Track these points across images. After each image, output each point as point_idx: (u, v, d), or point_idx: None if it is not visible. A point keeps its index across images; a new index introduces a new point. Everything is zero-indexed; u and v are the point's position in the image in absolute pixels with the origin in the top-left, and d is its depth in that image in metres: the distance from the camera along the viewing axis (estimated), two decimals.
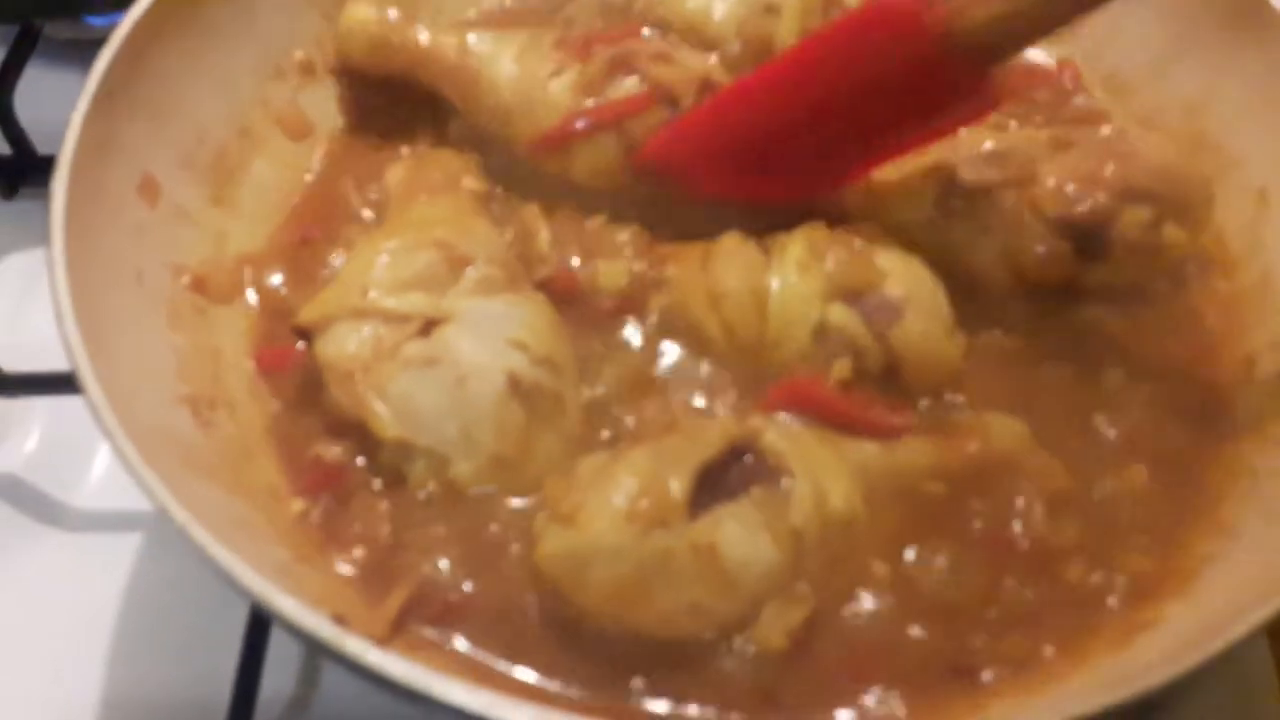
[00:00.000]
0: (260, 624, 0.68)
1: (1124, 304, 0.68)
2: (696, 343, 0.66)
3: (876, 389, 0.64)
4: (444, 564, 0.59)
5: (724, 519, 0.54)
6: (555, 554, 0.55)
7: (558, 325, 0.65)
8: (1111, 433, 0.65)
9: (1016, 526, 0.60)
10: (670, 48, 0.73)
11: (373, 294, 0.62)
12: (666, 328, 0.67)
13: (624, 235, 0.70)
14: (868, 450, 0.60)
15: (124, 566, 0.75)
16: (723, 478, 0.55)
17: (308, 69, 0.80)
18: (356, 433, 0.62)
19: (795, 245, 0.65)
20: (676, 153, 0.70)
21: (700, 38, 0.77)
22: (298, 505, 0.62)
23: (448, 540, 0.60)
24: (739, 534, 0.53)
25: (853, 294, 0.62)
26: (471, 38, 0.75)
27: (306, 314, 0.62)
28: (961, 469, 0.61)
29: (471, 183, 0.74)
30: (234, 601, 0.61)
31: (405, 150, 0.78)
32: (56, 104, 0.95)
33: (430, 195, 0.72)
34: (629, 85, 0.70)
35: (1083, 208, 0.64)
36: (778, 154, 0.68)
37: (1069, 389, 0.66)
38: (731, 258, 0.66)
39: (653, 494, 0.53)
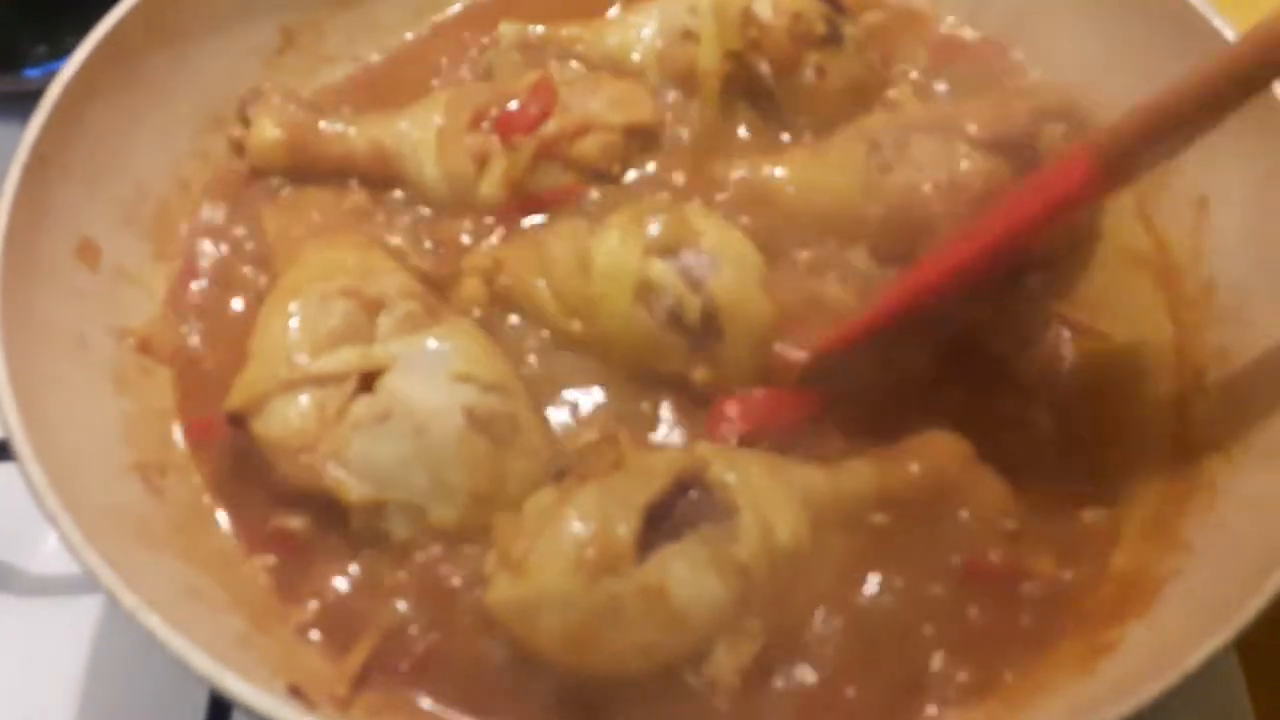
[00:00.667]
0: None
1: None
2: (532, 312, 0.68)
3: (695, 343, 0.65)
4: (403, 611, 0.59)
5: (671, 559, 0.54)
6: (505, 601, 0.55)
7: (490, 345, 0.65)
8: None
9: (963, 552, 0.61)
10: (585, 112, 0.73)
11: (299, 359, 0.60)
12: (503, 301, 0.69)
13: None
14: (813, 477, 0.60)
15: (85, 633, 0.74)
16: (669, 513, 0.55)
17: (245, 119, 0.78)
18: (314, 502, 0.61)
19: (617, 215, 0.67)
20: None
21: (620, 71, 0.78)
22: (254, 564, 0.61)
23: (406, 588, 0.60)
24: (687, 574, 0.54)
25: (670, 250, 0.65)
26: (382, 134, 0.75)
27: (236, 399, 0.61)
28: (905, 491, 0.61)
29: (353, 201, 0.74)
30: None
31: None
32: None
33: (313, 236, 0.70)
34: (555, 173, 0.73)
35: (1008, 127, 0.69)
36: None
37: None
38: (560, 231, 0.69)
39: (600, 541, 0.53)
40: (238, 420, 0.60)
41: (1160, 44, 0.74)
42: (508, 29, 0.81)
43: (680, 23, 0.78)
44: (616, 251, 0.65)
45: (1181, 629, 0.54)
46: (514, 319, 0.69)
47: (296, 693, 0.52)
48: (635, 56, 0.78)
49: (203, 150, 0.77)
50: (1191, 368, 0.69)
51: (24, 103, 1.00)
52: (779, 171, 0.73)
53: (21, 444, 0.53)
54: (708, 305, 0.64)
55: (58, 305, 0.63)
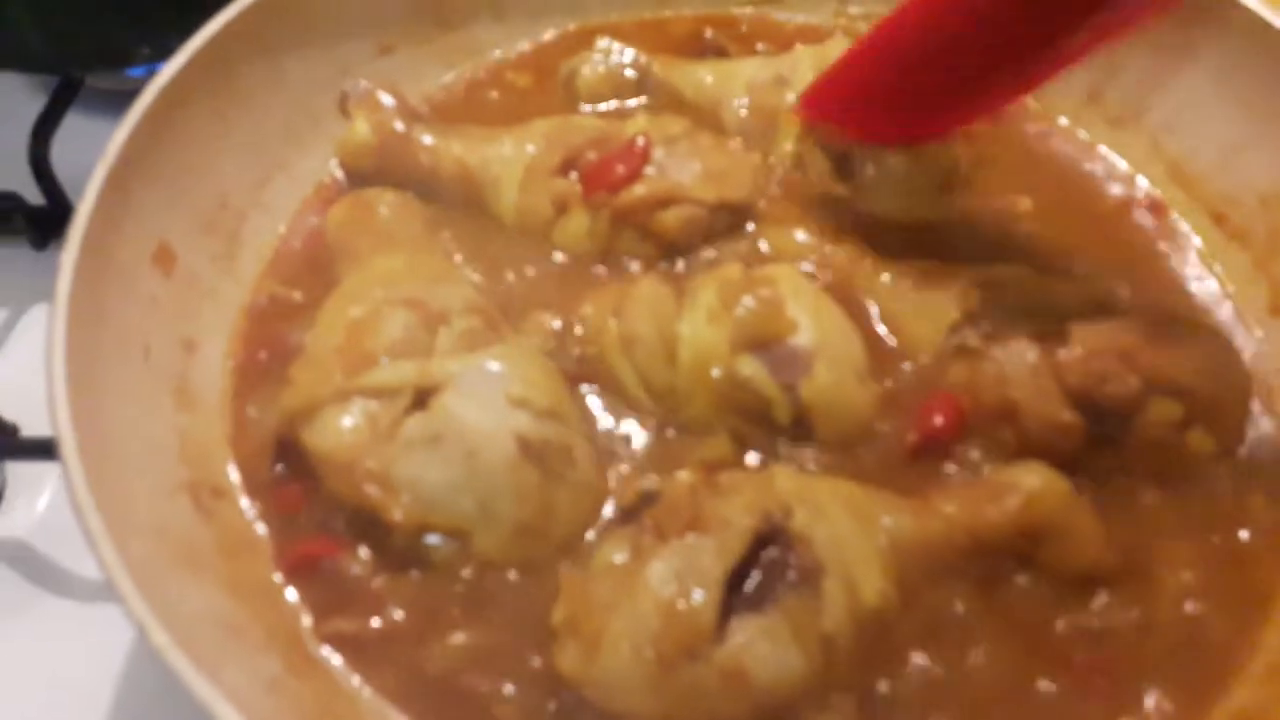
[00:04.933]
0: None
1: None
2: (615, 390, 0.65)
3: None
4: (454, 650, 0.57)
5: (754, 639, 0.52)
6: (578, 672, 0.53)
7: (551, 370, 0.63)
8: None
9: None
10: (676, 180, 0.70)
11: (355, 369, 0.58)
12: (586, 374, 0.65)
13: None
14: (901, 518, 0.57)
15: (126, 640, 0.72)
16: (748, 573, 0.53)
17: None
18: (359, 520, 0.59)
19: (706, 291, 0.63)
20: (830, 105, 0.69)
21: (709, 115, 0.77)
22: (293, 596, 0.59)
23: (456, 627, 0.58)
24: (768, 651, 0.52)
25: (761, 345, 0.61)
26: (470, 154, 0.73)
27: (289, 403, 0.59)
28: (1002, 533, 0.57)
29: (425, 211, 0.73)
30: None
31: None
32: (93, 155, 0.95)
33: (375, 239, 0.68)
34: (631, 240, 0.70)
35: (1110, 387, 0.59)
36: (935, 82, 0.66)
37: None
38: (643, 303, 0.65)
39: (679, 625, 0.51)
40: (288, 426, 0.59)
41: None
42: (603, 43, 0.80)
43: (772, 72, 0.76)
44: (704, 344, 0.62)
45: None
46: None
47: None
48: (732, 101, 0.76)
49: (285, 162, 0.76)
50: None
51: (125, 101, 1.02)
52: (882, 276, 0.68)
53: (69, 447, 0.51)
54: (799, 408, 0.61)
55: (127, 310, 0.62)
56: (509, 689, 0.56)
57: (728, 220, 0.72)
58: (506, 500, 0.57)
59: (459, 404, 0.58)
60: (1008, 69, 0.64)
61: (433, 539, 0.58)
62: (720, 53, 0.85)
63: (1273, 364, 0.69)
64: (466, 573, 0.58)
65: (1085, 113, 0.81)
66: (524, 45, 0.85)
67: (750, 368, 0.61)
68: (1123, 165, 0.79)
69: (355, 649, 0.58)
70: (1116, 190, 0.78)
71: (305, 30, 0.76)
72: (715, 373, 0.61)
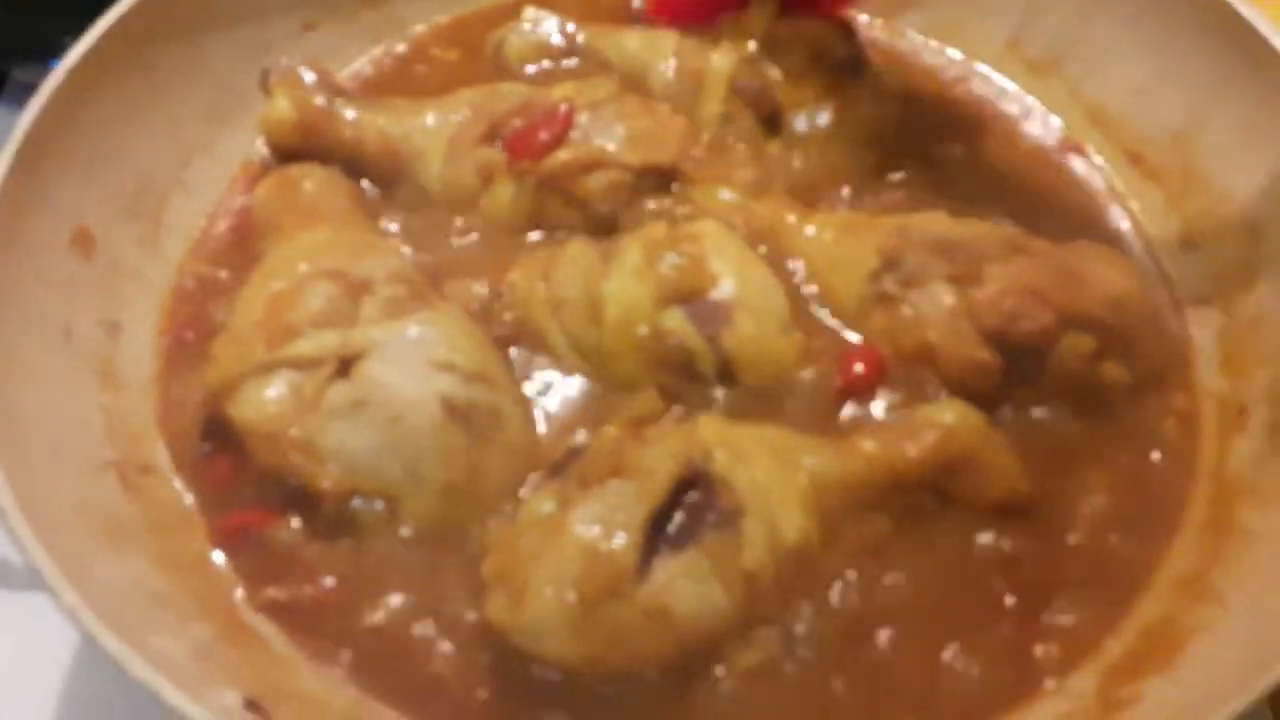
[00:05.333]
0: None
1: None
2: (545, 351, 0.66)
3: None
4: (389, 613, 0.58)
5: (675, 577, 0.52)
6: (505, 620, 0.54)
7: (477, 334, 0.63)
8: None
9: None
10: (600, 146, 0.70)
11: (276, 341, 0.58)
12: (516, 337, 0.66)
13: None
14: (821, 458, 0.58)
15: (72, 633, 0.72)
16: (670, 514, 0.54)
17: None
18: (288, 490, 0.59)
19: (631, 251, 0.64)
20: None
21: (636, 81, 0.77)
22: (225, 565, 0.59)
23: (390, 589, 0.58)
24: (690, 588, 0.53)
25: (684, 298, 0.62)
26: (394, 127, 0.73)
27: (211, 377, 0.59)
28: (920, 468, 0.58)
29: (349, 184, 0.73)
30: None
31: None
32: None
33: (300, 215, 0.68)
34: (556, 206, 0.70)
35: (1024, 325, 0.60)
36: None
37: None
38: (570, 264, 0.66)
39: (600, 567, 0.52)
40: (213, 401, 0.59)
41: (1211, 56, 0.70)
42: (530, 12, 0.81)
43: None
44: (629, 300, 0.62)
45: (1205, 688, 0.50)
46: None
47: (254, 706, 0.49)
48: (659, 65, 0.76)
49: (208, 142, 0.75)
50: (1234, 407, 0.64)
51: None
52: (805, 230, 0.69)
53: None
54: (722, 358, 0.61)
55: (45, 294, 0.62)
56: (445, 646, 0.57)
57: (654, 183, 0.71)
58: (433, 463, 0.57)
59: (382, 370, 0.58)
60: None
61: (361, 504, 0.58)
62: (648, 22, 0.85)
63: (1183, 294, 0.70)
64: (400, 534, 0.59)
65: (1006, 59, 0.81)
66: (442, 18, 0.84)
67: (674, 320, 0.62)
68: (1040, 109, 0.80)
69: (290, 616, 0.58)
70: (1035, 132, 0.79)
71: (224, 8, 0.76)
72: (641, 329, 0.62)
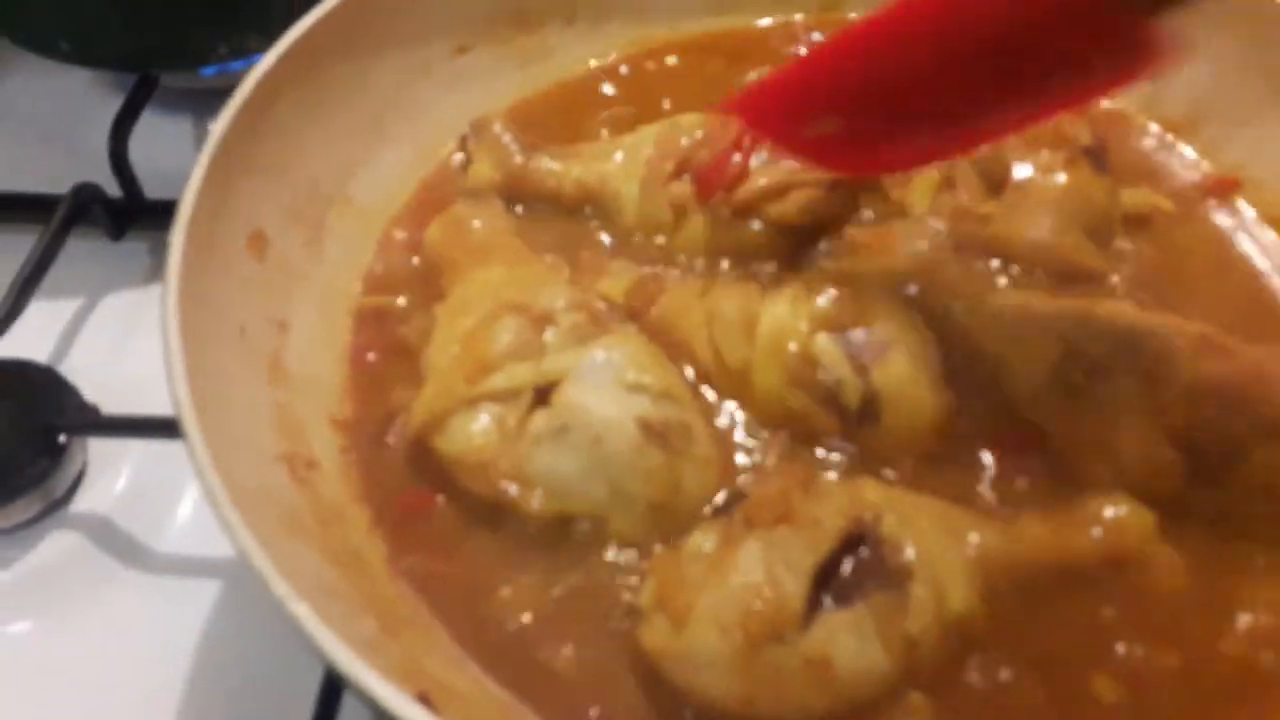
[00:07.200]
0: (334, 684, 0.67)
1: None
2: (684, 351, 0.67)
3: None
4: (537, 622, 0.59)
5: (839, 631, 0.53)
6: (662, 649, 0.55)
7: (658, 353, 0.65)
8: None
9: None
10: (781, 168, 0.70)
11: (475, 377, 0.61)
12: (653, 334, 0.67)
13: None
14: (987, 535, 0.58)
15: (202, 614, 0.75)
16: (836, 570, 0.54)
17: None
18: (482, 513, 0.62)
19: (793, 283, 0.65)
20: (763, 109, 0.65)
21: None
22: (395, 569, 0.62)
23: (546, 597, 0.60)
24: (853, 645, 0.53)
25: (840, 326, 0.62)
26: (588, 174, 0.76)
27: (419, 418, 0.62)
28: (1085, 560, 0.58)
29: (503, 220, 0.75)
30: (308, 657, 0.61)
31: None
32: (167, 150, 0.99)
33: (472, 253, 0.71)
34: (748, 233, 0.71)
35: (1215, 430, 0.57)
36: (883, 113, 0.59)
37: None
38: (729, 288, 0.67)
39: (767, 608, 0.53)
40: (421, 438, 0.62)
41: None
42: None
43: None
44: (784, 318, 0.63)
45: None
46: None
47: (424, 699, 0.51)
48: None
49: (368, 154, 0.79)
50: None
51: (198, 99, 1.06)
52: (987, 300, 0.66)
53: (190, 424, 0.54)
54: (869, 392, 0.61)
55: (226, 293, 0.65)
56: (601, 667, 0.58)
57: (844, 199, 0.72)
58: (637, 481, 0.59)
59: (579, 395, 0.60)
60: (973, 104, 0.57)
61: (574, 530, 0.61)
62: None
63: None
64: (606, 556, 0.61)
65: None
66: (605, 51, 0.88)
67: (825, 344, 0.62)
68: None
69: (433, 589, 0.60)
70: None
71: (389, 30, 0.79)
72: (791, 345, 0.62)
